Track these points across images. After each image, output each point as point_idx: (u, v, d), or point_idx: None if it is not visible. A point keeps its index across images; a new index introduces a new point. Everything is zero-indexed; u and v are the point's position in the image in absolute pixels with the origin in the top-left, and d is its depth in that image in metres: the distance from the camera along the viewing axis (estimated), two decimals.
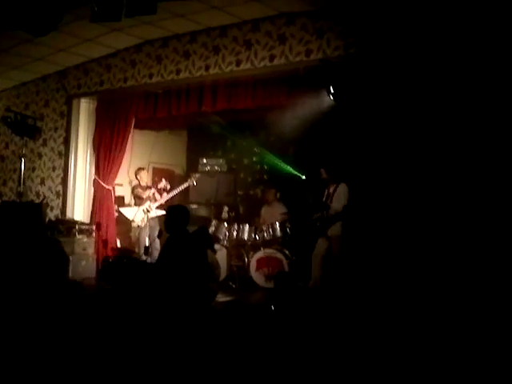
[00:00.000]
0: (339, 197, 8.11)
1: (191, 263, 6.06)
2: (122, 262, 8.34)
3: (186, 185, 10.51)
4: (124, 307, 6.60)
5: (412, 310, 6.02)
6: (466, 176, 6.13)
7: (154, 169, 11.75)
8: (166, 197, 10.32)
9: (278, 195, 10.37)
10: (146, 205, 10.12)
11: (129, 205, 10.81)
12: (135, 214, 10.03)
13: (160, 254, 6.55)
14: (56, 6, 6.23)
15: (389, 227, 6.59)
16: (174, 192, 10.44)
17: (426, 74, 6.49)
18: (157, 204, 10.19)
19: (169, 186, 10.37)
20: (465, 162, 6.15)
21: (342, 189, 8.11)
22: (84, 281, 9.02)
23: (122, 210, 10.37)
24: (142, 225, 10.02)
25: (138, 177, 10.45)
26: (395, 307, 6.17)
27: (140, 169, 10.56)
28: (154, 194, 10.29)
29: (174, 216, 6.30)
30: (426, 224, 6.32)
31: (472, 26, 6.16)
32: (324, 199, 8.40)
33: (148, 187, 10.40)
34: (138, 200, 10.28)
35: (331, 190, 8.34)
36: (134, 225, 10.08)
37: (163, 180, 10.40)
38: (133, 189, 10.53)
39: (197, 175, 10.78)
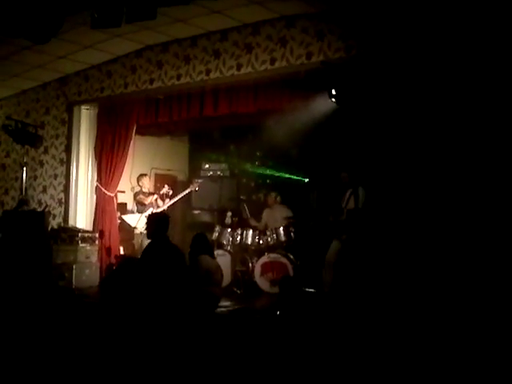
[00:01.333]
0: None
1: (170, 268, 6.06)
2: (125, 270, 8.28)
3: (188, 190, 10.47)
4: (128, 314, 6.56)
5: (421, 314, 5.97)
6: (466, 172, 6.10)
7: (156, 175, 11.69)
8: (168, 203, 10.27)
9: (279, 199, 10.32)
10: (149, 211, 10.04)
11: (131, 211, 10.75)
12: (138, 221, 9.97)
13: (140, 259, 6.56)
14: (56, 13, 6.22)
15: (398, 229, 6.55)
16: (177, 198, 10.39)
17: (427, 75, 6.47)
18: (159, 210, 10.13)
19: (171, 192, 10.32)
20: (462, 157, 6.11)
21: (361, 192, 8.03)
22: (88, 289, 8.98)
23: (124, 217, 10.32)
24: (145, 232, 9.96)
25: (141, 183, 10.40)
26: (403, 312, 6.12)
27: (142, 175, 10.52)
28: (156, 200, 10.24)
29: (154, 223, 6.47)
30: (431, 225, 6.29)
31: (472, 26, 6.14)
32: (344, 204, 8.25)
33: (150, 193, 10.34)
34: (141, 206, 10.22)
35: (348, 193, 8.23)
36: (137, 232, 10.02)
37: (166, 186, 10.35)
38: (135, 195, 10.48)
39: (199, 181, 10.74)
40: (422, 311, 6.00)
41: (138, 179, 10.46)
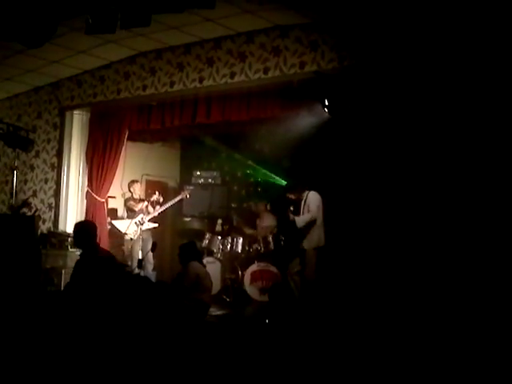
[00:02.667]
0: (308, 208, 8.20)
1: (101, 277, 6.03)
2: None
3: (179, 198, 10.46)
4: (117, 321, 6.54)
5: (401, 327, 6.00)
6: (460, 194, 6.14)
7: (147, 181, 11.68)
8: (158, 210, 10.26)
9: (269, 207, 10.36)
10: (139, 217, 10.04)
11: (121, 217, 10.74)
12: (127, 227, 9.96)
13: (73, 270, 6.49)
14: (50, 17, 6.21)
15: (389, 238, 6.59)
16: (167, 205, 10.39)
17: (419, 87, 6.50)
18: (150, 217, 10.13)
19: (162, 199, 10.31)
20: (461, 178, 6.15)
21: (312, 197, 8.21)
22: None
23: (114, 222, 10.29)
24: (135, 238, 9.95)
25: (132, 189, 10.39)
26: (384, 316, 6.15)
27: (133, 181, 10.51)
28: (147, 206, 10.22)
29: (80, 231, 6.34)
30: (424, 233, 6.34)
31: (464, 36, 6.19)
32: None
33: (141, 200, 10.33)
34: (131, 213, 10.21)
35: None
36: (127, 238, 10.00)
37: (156, 193, 10.34)
38: (125, 201, 10.48)
39: (190, 188, 10.76)
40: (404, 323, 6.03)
41: (129, 185, 10.44)
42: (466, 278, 5.94)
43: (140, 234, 9.97)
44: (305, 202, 8.38)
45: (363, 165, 7.05)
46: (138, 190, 10.49)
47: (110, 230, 10.38)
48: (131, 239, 9.99)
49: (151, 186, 11.53)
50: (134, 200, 10.30)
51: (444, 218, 6.23)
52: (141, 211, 10.13)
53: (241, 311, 8.92)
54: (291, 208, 8.37)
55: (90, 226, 6.50)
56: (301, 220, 8.28)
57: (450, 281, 6.05)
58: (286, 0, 6.94)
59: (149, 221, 10.10)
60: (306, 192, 8.42)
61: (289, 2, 7.02)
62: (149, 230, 10.12)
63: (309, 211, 8.29)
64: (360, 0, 6.68)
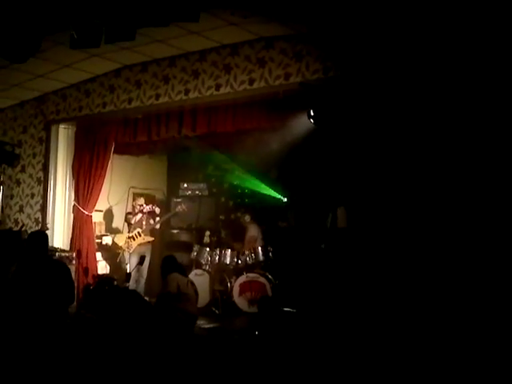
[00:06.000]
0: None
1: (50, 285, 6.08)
2: (103, 290, 8.23)
3: (176, 210, 10.70)
4: (106, 335, 6.51)
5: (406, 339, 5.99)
6: (458, 197, 6.16)
7: (134, 194, 11.66)
8: (153, 224, 10.34)
9: (247, 218, 10.39)
10: (136, 231, 10.14)
11: (120, 231, 10.91)
12: (114, 240, 10.12)
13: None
14: (34, 32, 6.20)
15: (385, 247, 6.59)
16: (163, 218, 10.67)
17: (403, 97, 6.55)
18: (143, 229, 10.20)
19: (158, 210, 10.45)
20: (455, 180, 6.18)
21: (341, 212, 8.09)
22: None
23: (110, 236, 10.55)
24: (131, 251, 10.02)
25: (134, 203, 10.61)
26: (390, 331, 6.15)
27: (137, 195, 10.70)
28: (141, 219, 10.29)
29: (32, 242, 6.37)
30: (420, 244, 6.35)
31: (452, 45, 6.24)
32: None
33: (137, 213, 10.40)
34: (129, 226, 10.46)
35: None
36: (121, 252, 10.14)
37: (149, 205, 10.43)
38: (126, 216, 10.78)
39: (178, 200, 10.87)
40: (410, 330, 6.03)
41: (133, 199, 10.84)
42: (466, 277, 5.95)
43: (135, 248, 10.10)
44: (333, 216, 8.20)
45: (348, 175, 7.07)
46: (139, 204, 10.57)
47: (105, 244, 10.48)
48: (128, 253, 10.09)
49: (138, 199, 11.51)
50: (132, 214, 10.50)
51: (434, 225, 6.26)
52: (136, 224, 10.19)
53: (230, 323, 8.89)
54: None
55: (45, 236, 6.60)
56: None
57: (450, 282, 6.05)
58: (270, 12, 6.96)
59: (144, 234, 10.20)
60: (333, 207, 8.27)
61: (273, 15, 7.06)
62: (144, 243, 10.18)
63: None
64: (344, 12, 6.72)
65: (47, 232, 8.42)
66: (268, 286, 9.32)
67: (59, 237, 10.42)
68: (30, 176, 10.82)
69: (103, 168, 10.10)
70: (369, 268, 6.68)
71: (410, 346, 5.79)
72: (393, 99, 6.62)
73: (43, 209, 10.52)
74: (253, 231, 10.28)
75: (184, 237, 11.49)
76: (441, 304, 6.02)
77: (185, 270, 8.15)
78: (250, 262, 9.77)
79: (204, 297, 9.35)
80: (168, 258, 7.98)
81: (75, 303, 9.07)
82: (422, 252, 6.28)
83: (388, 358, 5.66)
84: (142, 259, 9.10)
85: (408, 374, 5.28)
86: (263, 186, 10.60)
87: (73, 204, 10.42)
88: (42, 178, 10.60)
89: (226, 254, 10.07)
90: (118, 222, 11.36)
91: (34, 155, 10.78)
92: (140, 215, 10.35)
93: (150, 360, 5.85)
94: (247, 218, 10.40)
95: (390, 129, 6.63)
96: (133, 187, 11.62)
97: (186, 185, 11.68)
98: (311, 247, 8.27)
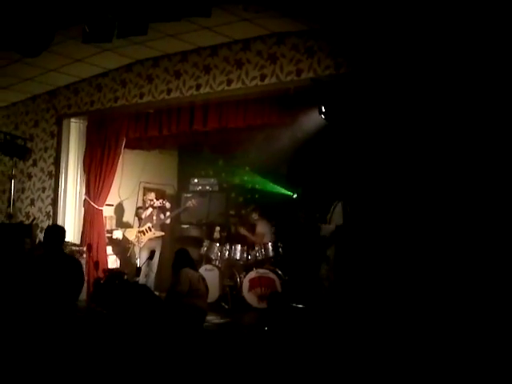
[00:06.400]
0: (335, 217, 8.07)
1: (62, 279, 6.09)
2: (113, 284, 8.27)
3: (186, 205, 10.74)
4: (116, 329, 6.54)
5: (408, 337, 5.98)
6: (460, 193, 6.14)
7: (144, 189, 11.68)
8: (163, 218, 10.38)
9: (255, 216, 10.36)
10: (146, 226, 10.18)
11: (131, 226, 10.95)
12: (125, 234, 10.15)
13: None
14: (47, 26, 6.22)
15: (390, 242, 6.57)
16: (173, 213, 10.72)
17: (415, 93, 6.52)
18: (153, 224, 10.23)
19: (168, 205, 10.46)
20: (459, 177, 6.16)
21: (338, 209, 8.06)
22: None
23: (121, 231, 10.60)
24: (141, 245, 10.05)
25: (145, 198, 10.63)
26: (390, 327, 6.13)
27: (148, 190, 10.74)
28: (151, 213, 10.31)
29: (49, 235, 6.42)
30: (423, 240, 6.33)
31: (461, 41, 6.21)
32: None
33: (147, 207, 10.43)
34: (139, 221, 10.46)
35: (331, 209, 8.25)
36: (131, 246, 10.18)
37: (159, 200, 10.45)
38: (136, 210, 10.81)
39: (188, 196, 10.90)
40: (415, 326, 6.02)
41: (144, 194, 10.84)
42: (467, 277, 5.93)
43: (145, 243, 10.15)
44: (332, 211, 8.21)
45: (360, 171, 7.05)
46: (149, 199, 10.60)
47: (115, 238, 10.56)
48: (139, 248, 10.13)
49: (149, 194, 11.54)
50: (143, 208, 10.54)
51: (440, 223, 6.24)
52: (147, 219, 10.22)
53: (240, 319, 8.90)
54: (317, 215, 8.22)
55: (62, 231, 6.66)
56: (327, 229, 8.06)
57: (449, 279, 6.03)
58: (282, 8, 6.95)
59: (154, 228, 10.24)
60: (336, 202, 8.27)
61: (285, 10, 7.03)
62: (155, 238, 10.22)
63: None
64: (356, 7, 6.69)
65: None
66: (278, 282, 9.31)
67: (70, 231, 10.42)
68: (42, 170, 10.87)
69: (114, 162, 10.13)
70: (369, 267, 6.68)
71: (411, 346, 5.78)
72: (404, 96, 6.59)
73: (54, 203, 10.57)
74: (261, 227, 10.26)
75: (194, 232, 11.50)
76: (441, 299, 6.01)
77: (195, 265, 8.15)
78: (259, 258, 9.76)
79: (214, 292, 9.36)
80: (181, 252, 7.92)
81: (85, 297, 9.27)
82: (424, 248, 6.27)
83: (393, 353, 5.66)
84: (152, 254, 9.11)
85: (408, 374, 5.27)
86: (273, 181, 10.57)
87: (84, 198, 10.46)
88: (54, 172, 10.65)
89: (235, 250, 10.07)
90: (129, 216, 11.40)
91: (46, 149, 10.83)
92: (150, 210, 10.37)
93: (160, 355, 5.86)
94: (254, 215, 10.36)
95: (400, 125, 6.60)
96: (143, 182, 11.65)
97: (196, 180, 11.69)
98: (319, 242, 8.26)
